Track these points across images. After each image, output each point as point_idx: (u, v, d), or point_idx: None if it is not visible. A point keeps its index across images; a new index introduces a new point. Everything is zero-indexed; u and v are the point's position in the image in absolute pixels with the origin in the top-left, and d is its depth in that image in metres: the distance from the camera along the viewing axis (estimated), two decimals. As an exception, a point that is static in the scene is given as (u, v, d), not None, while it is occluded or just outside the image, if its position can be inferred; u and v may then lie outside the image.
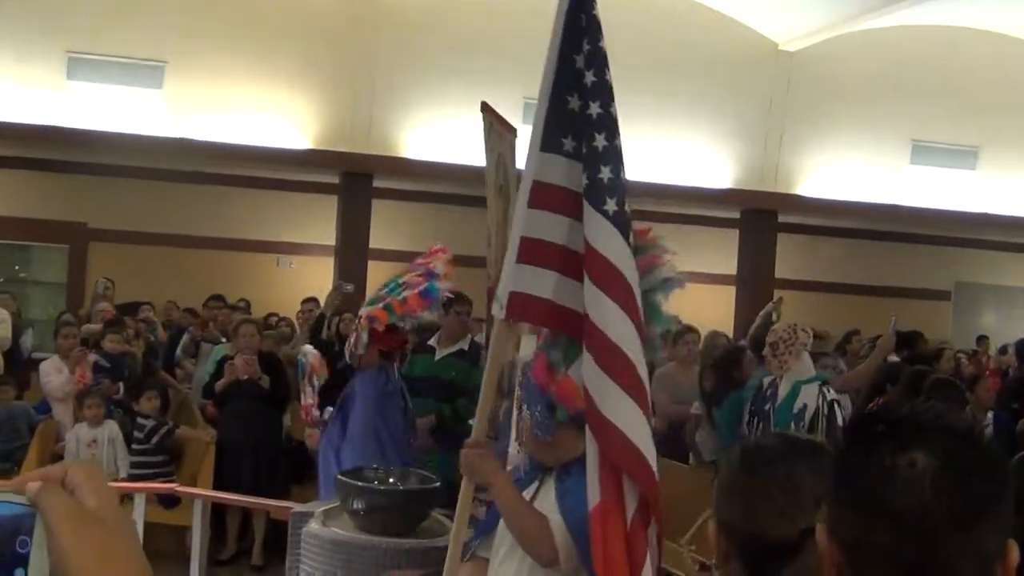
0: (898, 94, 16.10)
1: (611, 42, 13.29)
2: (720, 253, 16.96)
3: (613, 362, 3.16)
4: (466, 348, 7.45)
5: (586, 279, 3.25)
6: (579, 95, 3.46)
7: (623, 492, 3.22)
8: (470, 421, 7.06)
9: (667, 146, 15.46)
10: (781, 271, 16.13)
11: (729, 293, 16.50)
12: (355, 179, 14.63)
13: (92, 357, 9.16)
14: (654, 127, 15.35)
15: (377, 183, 14.86)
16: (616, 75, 13.06)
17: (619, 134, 3.43)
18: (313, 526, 5.33)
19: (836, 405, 6.25)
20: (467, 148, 14.54)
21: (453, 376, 7.33)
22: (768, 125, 15.94)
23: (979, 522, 1.29)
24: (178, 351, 11.56)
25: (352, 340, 6.30)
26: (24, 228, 14.73)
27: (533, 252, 3.38)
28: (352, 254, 14.58)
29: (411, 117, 14.57)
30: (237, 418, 8.46)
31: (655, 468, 3.21)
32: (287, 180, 15.38)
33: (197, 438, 9.04)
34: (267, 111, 14.09)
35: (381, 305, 6.20)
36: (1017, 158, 16.82)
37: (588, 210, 3.29)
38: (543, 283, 3.35)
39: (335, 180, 15.08)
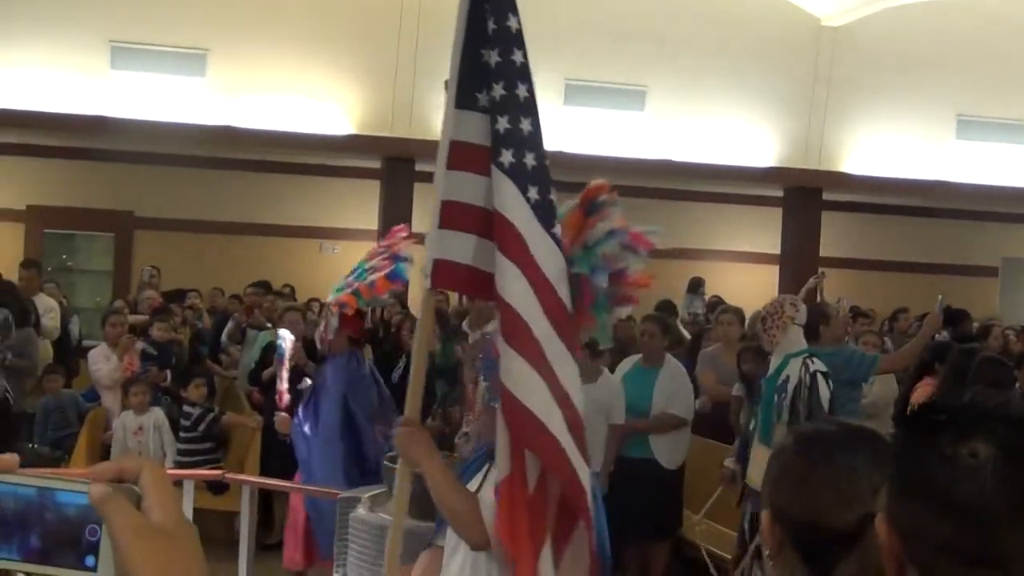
0: (942, 68, 15.89)
1: (648, 21, 13.28)
2: (764, 232, 16.87)
3: (514, 329, 3.02)
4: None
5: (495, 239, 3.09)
6: (490, 45, 3.27)
7: (526, 464, 3.10)
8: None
9: (709, 124, 15.37)
10: (825, 249, 16.01)
11: (773, 272, 16.40)
12: (397, 164, 14.66)
13: (139, 345, 9.24)
14: (696, 105, 15.28)
15: (419, 167, 14.87)
16: (653, 55, 13.12)
17: (522, 83, 3.26)
18: (360, 511, 5.37)
19: (819, 376, 6.13)
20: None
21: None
22: (811, 102, 15.80)
23: None
24: (223, 338, 11.65)
25: (322, 327, 6.36)
26: (70, 217, 14.90)
27: (454, 216, 3.20)
28: (395, 239, 14.60)
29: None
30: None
31: (560, 439, 3.04)
32: (330, 165, 15.45)
33: (243, 424, 9.11)
34: (309, 97, 14.14)
35: (349, 291, 6.25)
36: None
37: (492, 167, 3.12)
38: (465, 248, 3.16)
39: (377, 165, 15.13)
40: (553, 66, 14.85)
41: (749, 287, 15.46)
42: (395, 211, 14.72)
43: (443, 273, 3.23)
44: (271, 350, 8.65)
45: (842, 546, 1.69)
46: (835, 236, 16.46)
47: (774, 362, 6.34)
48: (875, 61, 15.73)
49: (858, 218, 17.46)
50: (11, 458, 1.04)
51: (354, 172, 15.58)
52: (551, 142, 13.52)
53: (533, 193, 3.09)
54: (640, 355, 7.62)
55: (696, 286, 14.46)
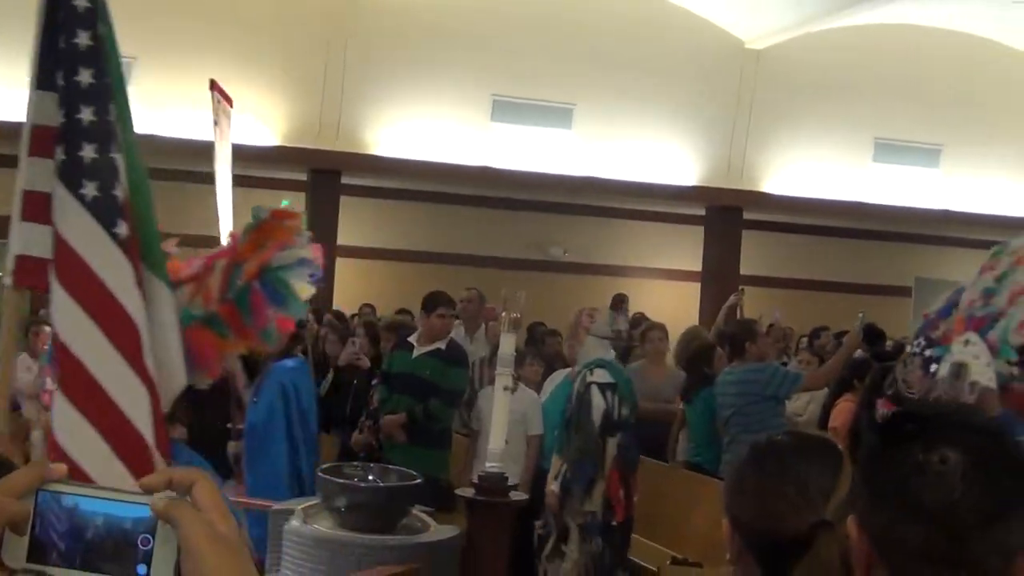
0: (862, 92, 16.27)
1: (577, 41, 13.38)
2: (686, 250, 17.10)
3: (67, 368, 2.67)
4: (443, 347, 7.49)
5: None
6: (67, 25, 2.88)
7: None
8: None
9: (635, 143, 15.56)
10: (746, 267, 16.28)
11: (694, 289, 16.64)
12: (323, 176, 14.63)
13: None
14: (623, 123, 15.47)
15: (345, 180, 14.87)
16: (581, 73, 13.22)
17: (86, 68, 2.88)
18: (294, 523, 5.36)
19: (594, 387, 6.19)
20: (435, 145, 14.61)
21: (428, 375, 7.36)
22: (734, 122, 16.08)
23: (1007, 518, 1.35)
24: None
25: None
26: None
27: (36, 207, 2.88)
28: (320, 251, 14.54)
29: (380, 115, 14.59)
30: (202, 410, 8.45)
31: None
32: (254, 176, 15.33)
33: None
34: (235, 107, 14.03)
35: None
36: (979, 156, 17.05)
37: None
38: (47, 242, 2.82)
39: (303, 177, 15.07)
40: (481, 82, 14.97)
41: (671, 304, 15.67)
42: (320, 223, 14.66)
43: (26, 269, 2.92)
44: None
45: (796, 551, 1.77)
46: (755, 255, 16.74)
47: (575, 371, 6.47)
48: (796, 84, 16.06)
49: (778, 237, 17.77)
50: (61, 467, 1.06)
51: (280, 184, 15.49)
52: (478, 157, 13.61)
53: (91, 189, 2.77)
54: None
55: (619, 303, 14.58)
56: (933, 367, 4.51)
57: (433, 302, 7.42)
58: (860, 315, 8.49)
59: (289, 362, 6.47)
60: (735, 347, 7.36)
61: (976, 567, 1.35)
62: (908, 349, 5.30)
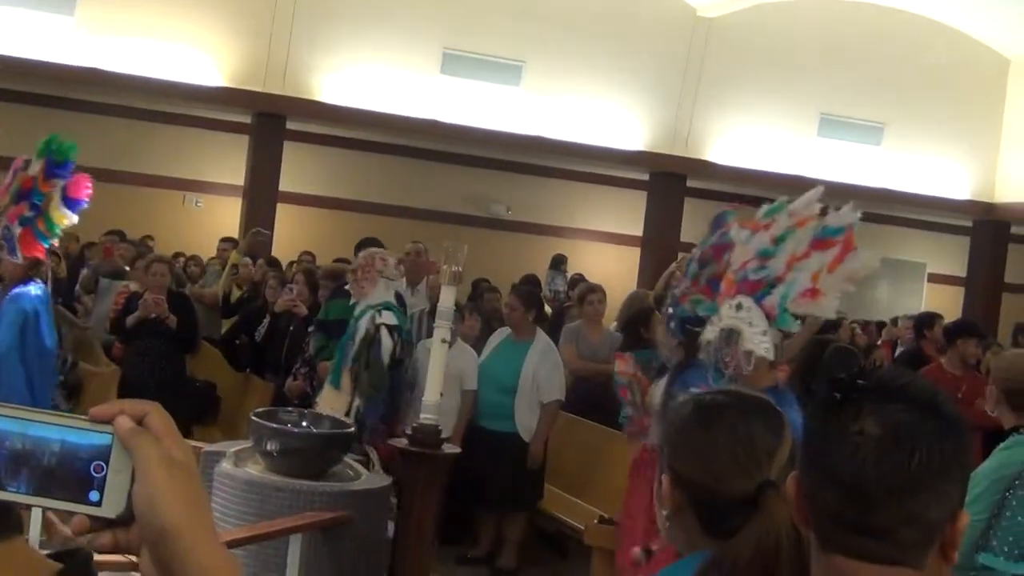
0: (810, 67, 16.37)
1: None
2: (628, 214, 17.16)
3: None
4: None
5: None
6: None
7: None
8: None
9: (582, 104, 15.54)
10: (687, 235, 16.35)
11: (634, 254, 16.72)
12: (268, 120, 14.46)
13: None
14: (571, 84, 15.43)
15: (290, 125, 14.71)
16: (532, 31, 13.20)
17: None
18: (225, 466, 5.34)
19: (384, 328, 6.48)
20: (383, 95, 14.49)
21: None
22: (682, 90, 16.10)
23: (919, 492, 1.37)
24: (77, 287, 11.35)
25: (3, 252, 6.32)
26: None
27: None
28: (261, 196, 14.45)
29: (329, 61, 14.42)
30: (142, 356, 8.37)
31: None
32: (198, 117, 15.15)
33: (99, 374, 8.93)
34: (181, 44, 13.82)
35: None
36: (921, 136, 17.24)
37: None
38: None
39: (248, 120, 14.89)
40: (431, 34, 14.85)
41: (610, 267, 15.75)
42: (263, 168, 14.55)
43: None
44: (133, 300, 8.50)
45: (741, 511, 1.78)
46: (697, 222, 16.78)
47: (358, 309, 6.63)
48: (746, 54, 16.11)
49: (720, 206, 17.78)
50: None
51: (224, 125, 15.32)
52: (425, 110, 13.58)
53: None
54: (510, 330, 7.70)
55: (558, 263, 14.63)
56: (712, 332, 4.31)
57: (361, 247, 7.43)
58: None
59: (32, 287, 6.37)
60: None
61: (885, 535, 1.38)
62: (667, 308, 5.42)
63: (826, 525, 1.42)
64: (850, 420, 1.40)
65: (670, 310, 5.57)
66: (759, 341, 4.17)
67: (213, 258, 11.95)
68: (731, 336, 4.22)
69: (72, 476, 1.04)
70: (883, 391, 1.42)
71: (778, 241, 4.36)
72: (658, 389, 5.72)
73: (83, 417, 1.06)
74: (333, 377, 6.59)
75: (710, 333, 4.37)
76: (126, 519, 1.05)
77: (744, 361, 4.10)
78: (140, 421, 1.06)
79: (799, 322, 4.34)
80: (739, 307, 4.28)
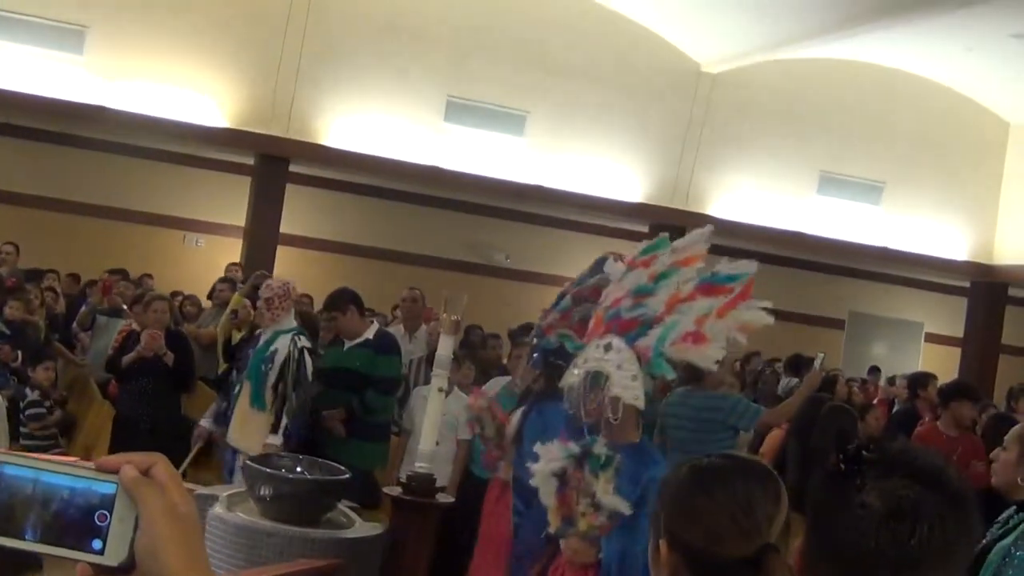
0: (811, 125, 16.48)
1: (536, 49, 13.48)
2: (627, 265, 17.17)
3: None
4: (371, 337, 7.49)
5: None
6: None
7: None
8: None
9: (585, 156, 15.63)
10: (685, 288, 16.39)
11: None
12: (271, 162, 14.52)
13: (-8, 323, 8.97)
14: (575, 135, 15.53)
15: (293, 168, 14.78)
16: (537, 82, 13.27)
17: None
18: (218, 510, 5.32)
19: (306, 352, 6.93)
20: (386, 141, 14.57)
21: (358, 366, 7.36)
22: (684, 144, 16.19)
23: (919, 567, 1.38)
24: (75, 323, 11.35)
25: None
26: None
27: None
28: (262, 237, 14.49)
29: (333, 106, 14.51)
30: (137, 395, 8.34)
31: None
32: (202, 157, 15.22)
33: (93, 412, 8.92)
34: (188, 86, 13.92)
35: None
36: (919, 196, 17.32)
37: None
38: None
39: (250, 161, 14.96)
40: (436, 81, 14.95)
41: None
42: (265, 209, 14.60)
43: None
44: (131, 338, 8.49)
45: (741, 574, 1.78)
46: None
47: (264, 337, 7.05)
48: (748, 111, 16.22)
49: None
50: None
51: (226, 166, 15.38)
52: (428, 157, 13.63)
53: None
54: (508, 378, 7.66)
55: (557, 313, 14.65)
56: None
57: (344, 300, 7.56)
58: (821, 355, 8.47)
59: None
60: (693, 372, 7.34)
61: None
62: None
63: None
64: (854, 492, 1.40)
65: (534, 340, 5.59)
66: (628, 386, 3.76)
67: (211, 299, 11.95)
68: (597, 379, 3.80)
69: (77, 524, 1.06)
70: (889, 464, 1.42)
71: (658, 279, 4.01)
72: (515, 419, 5.71)
73: (89, 466, 1.08)
74: (256, 400, 6.94)
75: (573, 376, 3.97)
76: (127, 568, 1.06)
77: (611, 408, 3.71)
78: (146, 472, 1.08)
79: (673, 370, 3.90)
80: (608, 348, 3.86)
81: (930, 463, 1.42)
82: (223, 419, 7.28)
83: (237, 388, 7.15)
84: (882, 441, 1.48)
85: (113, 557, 1.06)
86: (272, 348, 6.97)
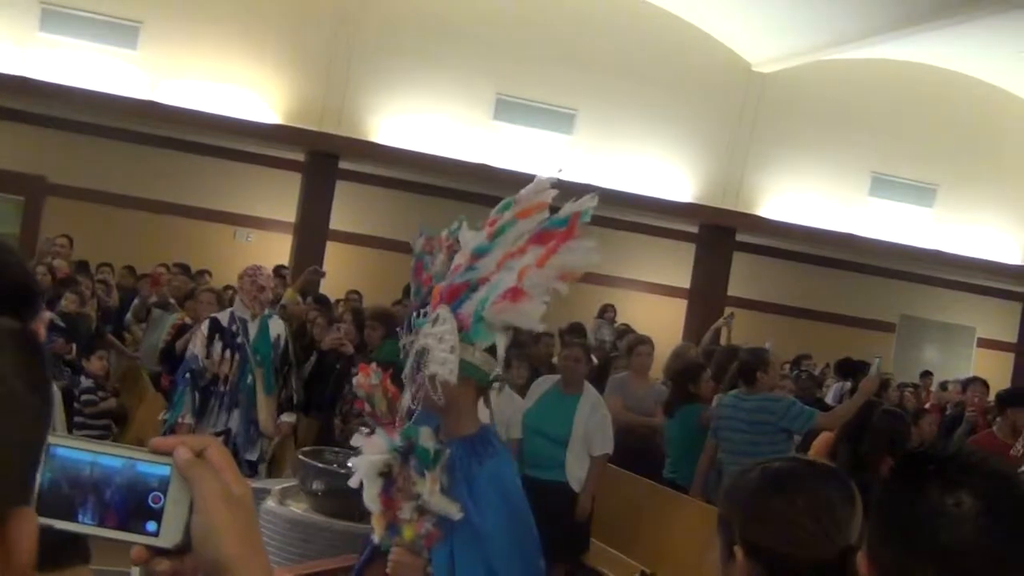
0: (863, 126, 16.33)
1: (586, 47, 13.45)
2: (675, 265, 17.11)
3: None
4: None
5: None
6: None
7: None
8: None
9: (634, 155, 15.57)
10: (733, 288, 16.30)
11: (680, 306, 16.64)
12: (321, 159, 14.59)
13: (48, 315, 9.06)
14: (624, 134, 15.47)
15: (343, 165, 14.83)
16: (587, 80, 13.23)
17: None
18: (270, 503, 5.34)
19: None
20: (436, 138, 14.59)
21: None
22: (734, 144, 16.10)
23: (1019, 562, 1.36)
24: (128, 315, 11.46)
25: None
26: (-21, 176, 14.54)
27: None
28: (311, 233, 14.56)
29: (384, 103, 14.55)
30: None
31: None
32: (253, 153, 15.31)
33: (144, 405, 9.00)
34: (240, 83, 14.01)
35: None
36: (973, 199, 17.12)
37: None
38: None
39: (301, 158, 15.04)
40: (485, 80, 14.95)
41: (657, 318, 15.68)
42: (314, 205, 14.67)
43: None
44: (182, 331, 8.56)
45: None
46: (744, 277, 16.77)
47: (254, 326, 7.22)
48: (800, 111, 16.10)
49: (768, 262, 17.80)
50: None
51: (277, 162, 15.46)
52: (477, 155, 13.61)
53: None
54: (558, 377, 7.64)
55: (605, 312, 14.61)
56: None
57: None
58: (877, 360, 8.36)
59: None
60: (746, 375, 7.29)
61: None
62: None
63: None
64: (943, 492, 1.38)
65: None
66: (444, 360, 3.25)
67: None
68: (421, 357, 3.30)
69: (132, 507, 1.06)
70: (967, 464, 1.41)
71: (495, 236, 3.39)
72: (406, 395, 5.44)
73: (144, 449, 1.08)
74: (268, 385, 7.15)
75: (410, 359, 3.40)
76: (182, 550, 1.06)
77: (431, 388, 3.18)
78: (199, 454, 1.08)
79: (503, 334, 3.28)
80: (436, 320, 3.32)
81: (1001, 465, 1.42)
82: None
83: (249, 378, 7.18)
84: (941, 446, 1.46)
85: (168, 539, 1.06)
86: (275, 334, 7.26)
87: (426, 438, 3.45)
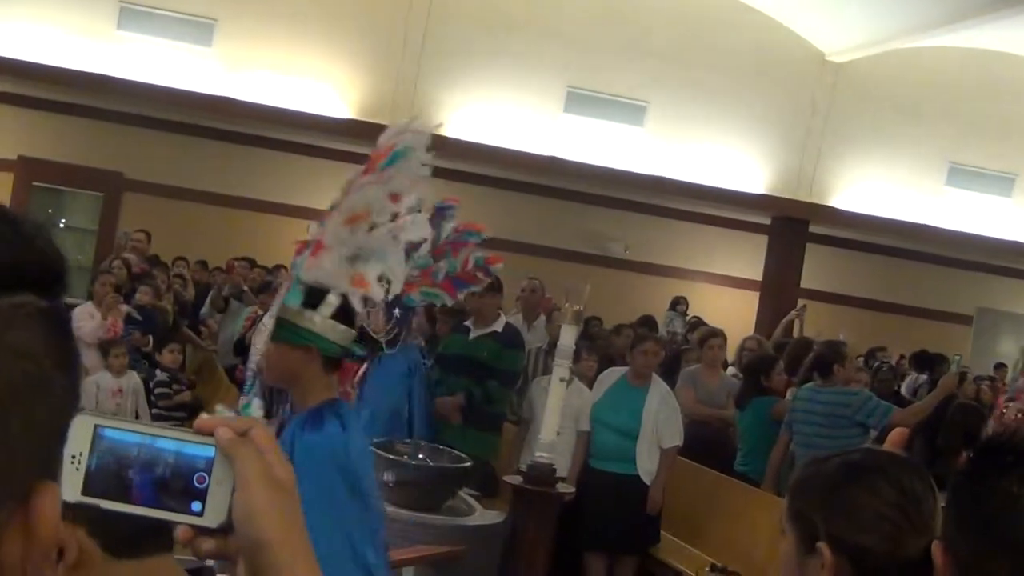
0: (940, 115, 16.05)
1: (656, 38, 13.38)
2: (747, 257, 16.99)
3: None
4: (499, 330, 7.51)
5: None
6: None
7: None
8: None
9: (705, 146, 15.46)
10: (806, 281, 16.14)
11: (752, 298, 16.52)
12: (395, 154, 14.67)
13: (125, 308, 9.24)
14: (694, 125, 15.38)
15: (415, 158, 14.91)
16: (657, 72, 13.22)
17: None
18: (342, 494, 5.41)
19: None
20: (506, 131, 14.62)
21: (485, 356, 7.39)
22: (807, 134, 15.92)
23: None
24: (206, 306, 11.64)
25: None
26: (61, 172, 14.84)
27: None
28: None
29: (454, 96, 14.61)
30: (263, 380, 8.53)
31: None
32: (326, 148, 15.45)
33: (219, 396, 9.14)
34: (313, 77, 14.15)
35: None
36: (1053, 190, 16.78)
37: None
38: None
39: (370, 152, 15.13)
40: (556, 72, 14.94)
41: (728, 311, 15.59)
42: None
43: None
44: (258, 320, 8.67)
45: (915, 573, 1.69)
46: (817, 269, 16.59)
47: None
48: (874, 101, 15.88)
49: (842, 254, 17.60)
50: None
51: (350, 157, 15.56)
52: (547, 147, 13.62)
53: None
54: (626, 369, 7.63)
55: (677, 304, 14.56)
56: None
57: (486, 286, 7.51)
58: (956, 357, 8.27)
59: None
60: (822, 368, 7.26)
61: None
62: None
63: None
64: (1019, 484, 1.37)
65: (390, 297, 5.09)
66: (265, 327, 3.09)
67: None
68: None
69: (177, 487, 1.07)
70: None
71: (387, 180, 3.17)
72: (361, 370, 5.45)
73: (188, 429, 1.09)
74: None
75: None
76: (227, 529, 1.07)
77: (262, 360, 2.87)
78: (243, 435, 1.07)
79: (331, 300, 3.05)
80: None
81: None
82: None
83: None
84: (1013, 435, 1.43)
85: (212, 519, 1.07)
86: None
87: (255, 409, 3.45)
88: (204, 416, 1.10)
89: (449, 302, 6.01)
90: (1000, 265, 17.99)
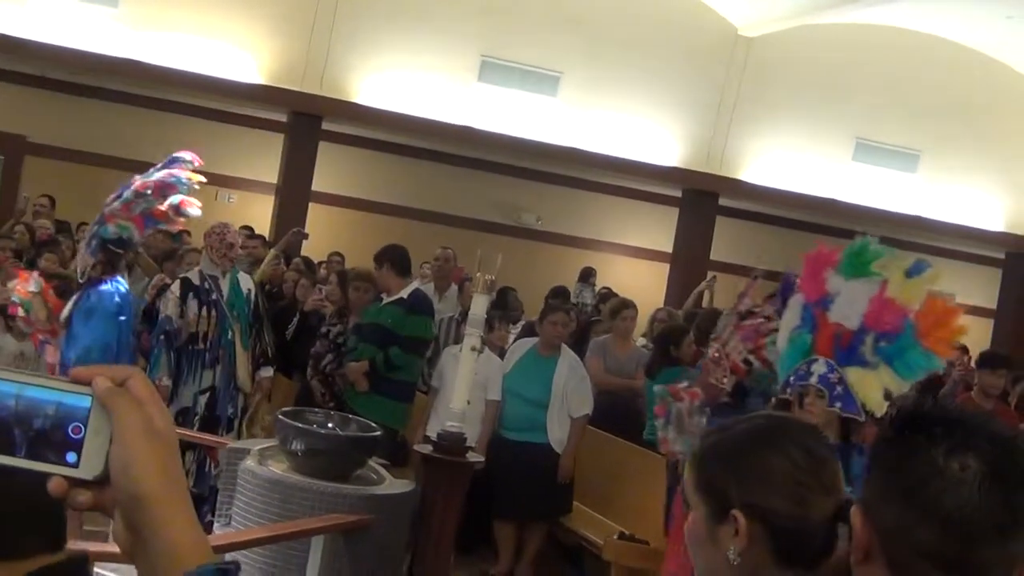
0: (848, 90, 16.29)
1: (571, 9, 13.44)
2: (658, 229, 17.12)
3: None
4: (405, 296, 7.49)
5: None
6: None
7: None
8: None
9: (618, 118, 15.52)
10: (716, 253, 16.31)
11: (663, 270, 16.67)
12: (304, 120, 14.50)
13: (34, 275, 8.99)
14: (607, 97, 15.42)
15: (326, 126, 14.74)
16: (571, 43, 13.28)
17: None
18: (249, 463, 5.34)
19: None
20: (419, 100, 14.51)
21: (389, 323, 7.37)
22: (719, 108, 16.06)
23: (1017, 529, 1.37)
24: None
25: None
26: (-42, 135, 14.42)
27: None
28: (294, 195, 14.49)
29: (367, 64, 14.46)
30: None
31: None
32: (235, 113, 15.21)
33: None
34: (222, 40, 13.89)
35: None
36: (956, 165, 17.13)
37: None
38: None
39: (283, 118, 14.94)
40: (470, 41, 14.86)
41: (639, 282, 15.69)
42: (297, 167, 14.59)
43: None
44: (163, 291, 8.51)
45: (824, 535, 1.70)
46: (727, 241, 16.77)
47: (228, 279, 7.49)
48: (785, 76, 16.05)
49: (750, 226, 17.80)
50: None
51: (259, 123, 15.37)
52: (461, 117, 13.62)
53: None
54: (536, 340, 7.65)
55: (587, 276, 14.60)
56: None
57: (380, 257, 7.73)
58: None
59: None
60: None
61: (979, 574, 1.36)
62: None
63: (911, 561, 1.40)
64: (949, 455, 1.38)
65: (94, 228, 6.28)
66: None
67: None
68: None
69: (54, 438, 1.04)
70: (972, 426, 1.41)
71: None
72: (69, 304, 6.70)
73: (63, 378, 1.06)
74: (244, 340, 7.30)
75: None
76: (102, 481, 1.05)
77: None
78: (121, 384, 1.05)
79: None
80: None
81: (1003, 428, 1.41)
82: None
83: (229, 334, 7.27)
84: (941, 406, 1.44)
85: (87, 471, 1.04)
86: (245, 288, 7.45)
87: None
88: (80, 367, 1.07)
89: (136, 236, 6.83)
90: (905, 240, 18.33)
